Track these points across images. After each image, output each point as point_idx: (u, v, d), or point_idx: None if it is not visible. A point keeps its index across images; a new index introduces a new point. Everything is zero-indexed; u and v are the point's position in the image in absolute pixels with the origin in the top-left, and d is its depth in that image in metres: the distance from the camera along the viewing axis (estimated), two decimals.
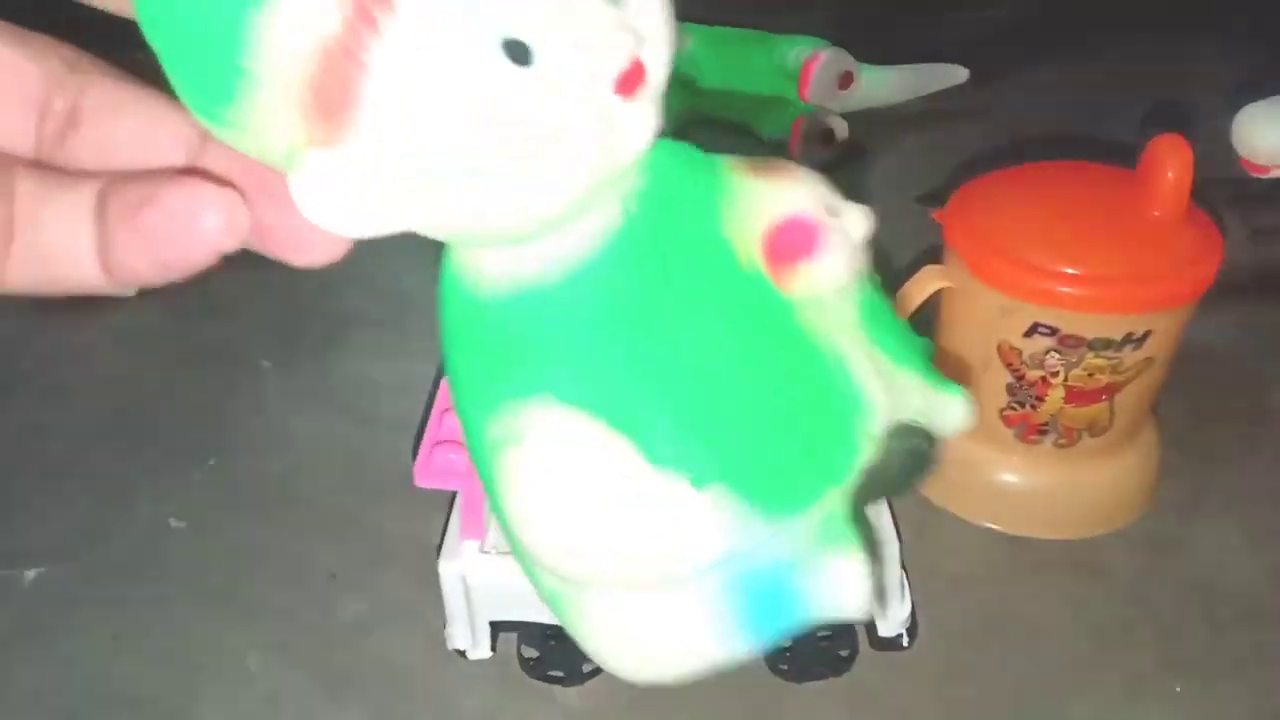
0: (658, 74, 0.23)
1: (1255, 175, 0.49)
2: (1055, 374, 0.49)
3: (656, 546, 0.27)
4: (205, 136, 0.22)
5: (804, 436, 0.29)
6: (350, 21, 0.19)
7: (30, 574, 0.54)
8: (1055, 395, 0.50)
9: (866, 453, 0.30)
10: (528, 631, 0.46)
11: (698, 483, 0.27)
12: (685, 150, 0.29)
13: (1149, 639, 0.50)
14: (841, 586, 0.29)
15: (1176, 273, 0.47)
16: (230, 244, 0.20)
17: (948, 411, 0.32)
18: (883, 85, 0.86)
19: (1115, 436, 0.53)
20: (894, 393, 0.31)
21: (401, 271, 0.73)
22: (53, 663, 0.50)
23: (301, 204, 0.21)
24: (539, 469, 0.26)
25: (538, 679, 0.47)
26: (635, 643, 0.30)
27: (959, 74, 0.87)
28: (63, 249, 0.20)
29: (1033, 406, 0.51)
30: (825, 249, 0.28)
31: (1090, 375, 0.49)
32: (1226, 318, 0.68)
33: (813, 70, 0.81)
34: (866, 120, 0.85)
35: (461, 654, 0.47)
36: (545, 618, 0.45)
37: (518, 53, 0.21)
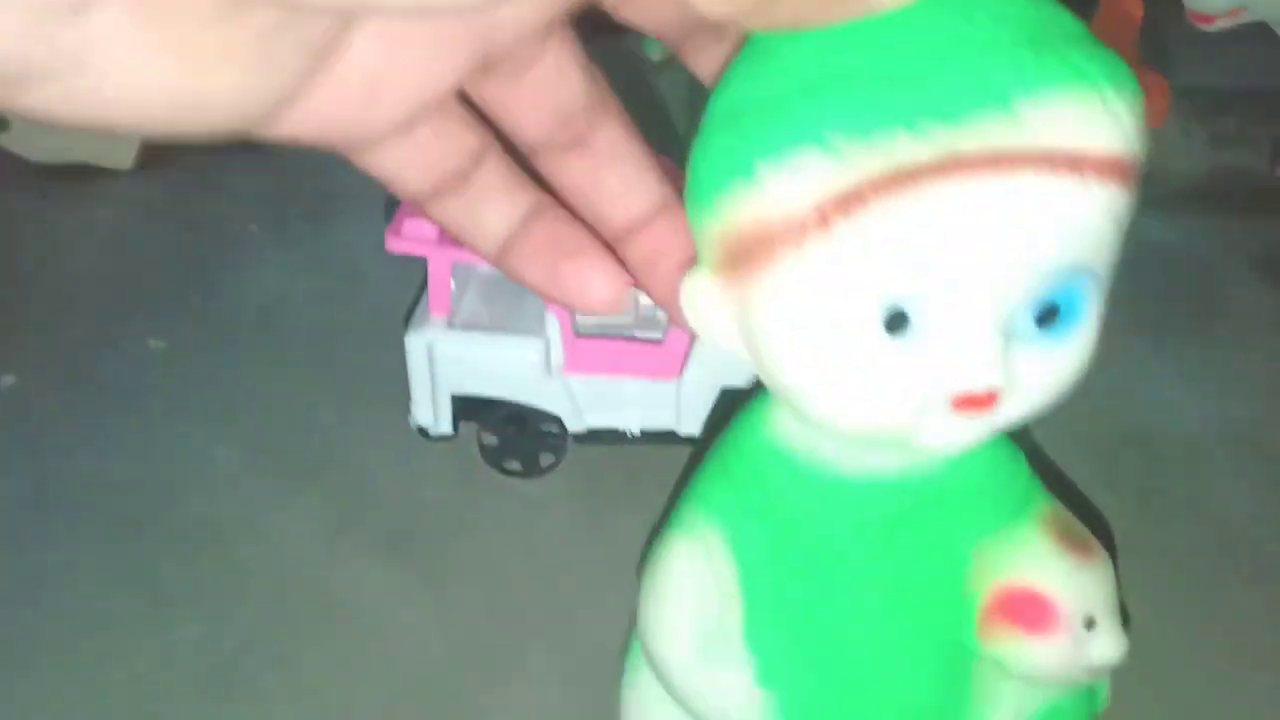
0: (1006, 416, 0.26)
1: (1203, 26, 0.51)
2: None
3: (700, 698, 0.31)
4: (660, 208, 0.25)
5: None
6: (816, 213, 0.23)
7: (6, 379, 0.56)
8: None
9: None
10: (489, 417, 0.48)
11: (762, 683, 0.30)
12: (1019, 469, 0.31)
13: (1089, 468, 0.51)
14: None
15: None
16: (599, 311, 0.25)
17: None
18: None
19: None
20: None
21: None
22: (21, 458, 0.51)
23: (682, 295, 0.26)
24: (673, 568, 0.31)
25: (496, 468, 0.49)
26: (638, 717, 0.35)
27: None
28: (480, 222, 0.23)
29: None
30: (1047, 643, 0.29)
31: None
32: (1184, 220, 0.70)
33: None
34: None
35: (424, 433, 0.49)
36: (504, 394, 0.47)
37: (896, 322, 0.24)
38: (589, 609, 0.43)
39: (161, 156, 0.76)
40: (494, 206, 0.23)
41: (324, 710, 0.39)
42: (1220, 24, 0.51)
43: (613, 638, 0.39)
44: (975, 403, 0.25)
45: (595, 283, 0.24)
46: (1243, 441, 0.53)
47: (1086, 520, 0.31)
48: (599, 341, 0.46)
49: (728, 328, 0.26)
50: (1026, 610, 0.29)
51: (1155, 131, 0.67)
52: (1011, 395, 0.25)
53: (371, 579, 0.44)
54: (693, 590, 0.30)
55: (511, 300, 0.49)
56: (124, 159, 0.76)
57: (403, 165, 0.22)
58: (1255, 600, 0.45)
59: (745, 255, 0.24)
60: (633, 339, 0.46)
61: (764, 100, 0.23)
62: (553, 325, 0.46)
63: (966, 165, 0.22)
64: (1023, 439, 0.50)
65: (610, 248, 0.25)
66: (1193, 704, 0.40)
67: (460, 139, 0.22)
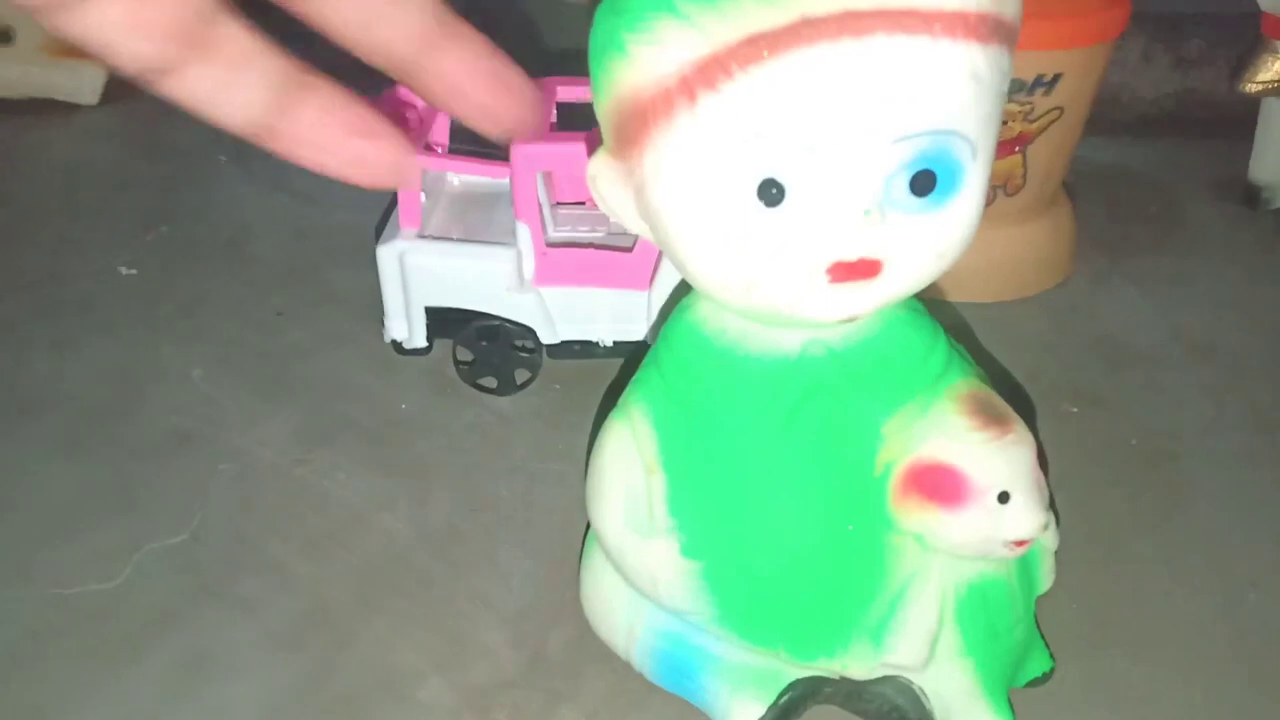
0: (891, 286, 0.27)
1: None
2: None
3: (632, 568, 0.33)
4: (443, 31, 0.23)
5: (801, 605, 0.32)
6: (680, 82, 0.24)
7: None
8: None
9: (849, 666, 0.32)
10: (463, 333, 0.49)
11: (686, 553, 0.31)
12: (935, 345, 0.31)
13: (1052, 377, 0.52)
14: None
15: (1083, 13, 0.50)
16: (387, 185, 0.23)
17: None
18: None
19: (1029, 199, 0.55)
20: (942, 665, 0.32)
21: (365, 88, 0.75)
22: None
23: (588, 179, 0.28)
24: (606, 446, 0.33)
25: (472, 385, 0.50)
26: (590, 591, 0.37)
27: None
28: (231, 98, 0.21)
29: None
30: (961, 516, 0.30)
31: (1004, 123, 0.52)
32: (1149, 142, 0.72)
33: None
34: None
35: (399, 347, 0.49)
36: (477, 306, 0.48)
37: (770, 192, 0.25)
38: (558, 508, 0.44)
39: (127, 90, 0.75)
40: (243, 78, 0.21)
41: (303, 601, 0.40)
42: None
43: (579, 531, 0.40)
44: (852, 271, 0.26)
45: (378, 158, 0.22)
46: (1196, 347, 0.55)
47: (1013, 401, 0.32)
48: (569, 252, 0.47)
49: (630, 208, 0.27)
50: (938, 484, 0.30)
51: (1119, 57, 0.68)
52: (894, 265, 0.26)
53: (347, 485, 0.45)
54: (621, 466, 0.32)
55: (483, 212, 0.49)
56: (91, 94, 0.75)
57: (116, 27, 0.20)
58: (1202, 493, 0.46)
59: (628, 132, 0.25)
60: (603, 248, 0.47)
61: None
62: (524, 236, 0.46)
63: (818, 27, 0.23)
64: (966, 339, 0.50)
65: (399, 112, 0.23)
66: (1141, 592, 0.42)
67: None
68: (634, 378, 0.34)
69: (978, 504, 0.30)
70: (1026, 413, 0.35)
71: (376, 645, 0.39)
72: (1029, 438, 0.31)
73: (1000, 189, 0.55)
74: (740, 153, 0.25)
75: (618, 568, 0.34)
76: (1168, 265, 0.61)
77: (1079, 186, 0.62)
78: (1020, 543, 0.31)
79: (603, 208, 0.29)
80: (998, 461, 0.30)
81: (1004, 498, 0.30)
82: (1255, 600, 0.41)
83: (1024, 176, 0.54)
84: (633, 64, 0.25)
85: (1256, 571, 0.43)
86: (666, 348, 0.32)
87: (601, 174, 0.28)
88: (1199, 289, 0.59)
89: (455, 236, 0.48)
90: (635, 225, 0.28)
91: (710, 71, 0.24)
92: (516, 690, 0.37)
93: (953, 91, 0.25)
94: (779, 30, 0.24)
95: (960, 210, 0.27)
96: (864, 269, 0.26)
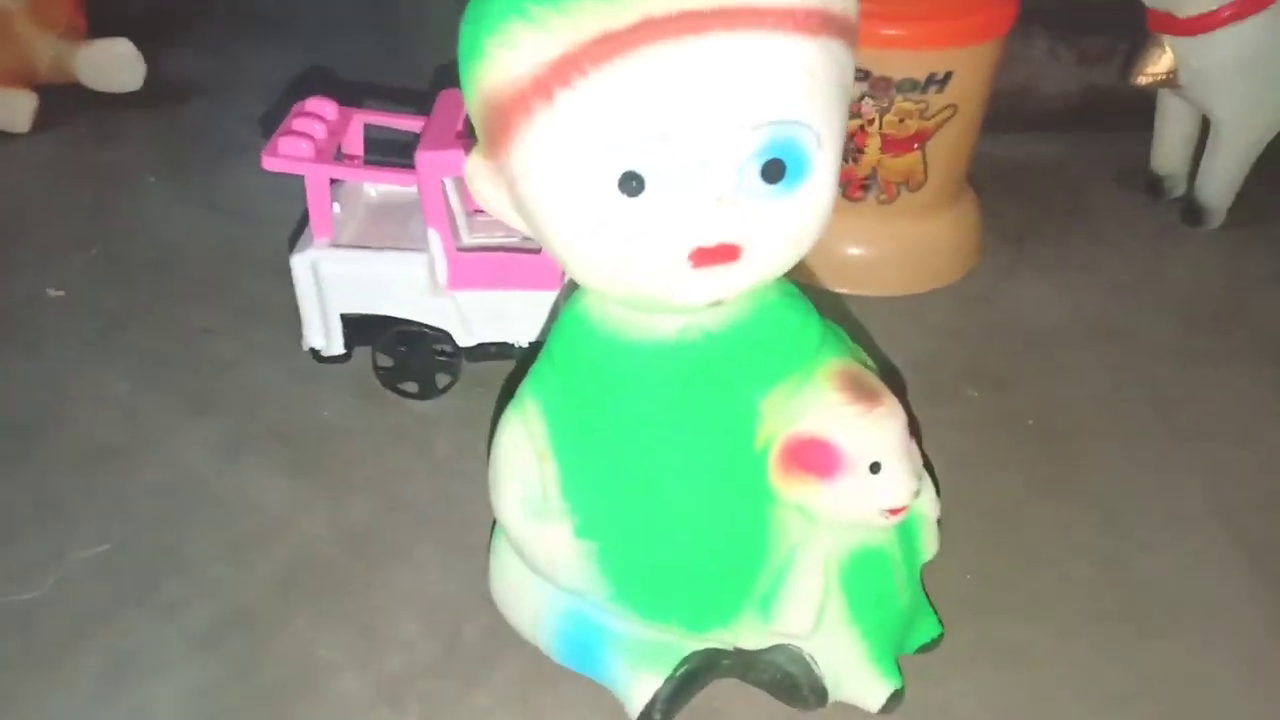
0: (752, 270, 0.29)
1: None
2: (871, 121, 0.54)
3: (531, 552, 0.34)
4: None
5: (691, 579, 0.33)
6: (535, 83, 0.26)
7: None
8: (873, 145, 0.55)
9: (741, 636, 0.34)
10: (382, 339, 0.50)
11: (579, 535, 0.33)
12: (808, 326, 0.33)
13: (956, 363, 0.54)
14: (627, 696, 0.35)
15: (969, 13, 0.52)
16: None
17: (865, 692, 0.35)
18: None
19: (932, 195, 0.58)
20: (830, 633, 0.34)
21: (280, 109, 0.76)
22: None
23: (466, 177, 0.30)
24: (502, 438, 0.35)
25: (392, 390, 0.51)
26: (499, 580, 0.39)
27: None
28: None
29: (854, 160, 0.56)
30: (836, 486, 0.32)
31: (901, 121, 0.54)
32: (1054, 137, 0.74)
33: None
34: None
35: (317, 355, 0.50)
36: (393, 312, 0.49)
37: (630, 183, 0.27)
38: (476, 504, 0.44)
39: (58, 117, 0.76)
40: None
41: (224, 603, 0.41)
42: None
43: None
44: (712, 256, 0.28)
45: None
46: (1096, 330, 0.57)
47: (887, 380, 0.34)
48: (480, 256, 0.48)
49: (505, 204, 0.29)
50: (813, 457, 0.32)
51: (1024, 55, 0.70)
52: (752, 249, 0.28)
53: (269, 490, 0.46)
54: (516, 456, 0.34)
55: (399, 220, 0.51)
56: (22, 122, 0.75)
57: None
58: (1096, 465, 0.48)
59: (495, 132, 0.27)
60: (513, 251, 0.48)
61: None
62: (435, 242, 0.47)
63: (660, 26, 0.25)
64: (856, 330, 0.52)
65: None
66: (1033, 559, 0.44)
67: None
68: (530, 370, 0.35)
69: (851, 474, 0.32)
70: (899, 390, 0.37)
71: (295, 642, 0.40)
72: (899, 410, 0.33)
73: (903, 185, 0.57)
74: (599, 147, 0.26)
75: (520, 554, 0.35)
76: (1072, 253, 0.63)
77: (988, 181, 0.64)
78: (894, 510, 0.33)
79: (481, 204, 0.30)
80: (868, 433, 0.32)
81: (875, 468, 0.32)
82: (1145, 562, 0.43)
83: (925, 172, 0.56)
84: (492, 67, 0.26)
85: (1146, 535, 0.45)
86: (558, 338, 0.34)
87: (476, 173, 0.29)
88: (1101, 275, 0.62)
89: (371, 244, 0.49)
90: (512, 219, 0.30)
91: (564, 71, 0.26)
92: (431, 679, 0.38)
93: (790, 83, 0.27)
94: (624, 30, 0.25)
95: (811, 196, 0.28)
96: (723, 253, 0.28)
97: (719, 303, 0.30)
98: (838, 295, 0.58)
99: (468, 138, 0.46)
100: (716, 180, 0.27)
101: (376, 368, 0.51)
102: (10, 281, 0.61)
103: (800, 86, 0.27)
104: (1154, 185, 0.68)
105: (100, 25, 0.80)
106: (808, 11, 0.26)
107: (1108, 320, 0.58)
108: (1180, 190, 0.67)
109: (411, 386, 0.51)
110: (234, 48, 0.88)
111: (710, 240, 0.28)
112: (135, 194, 0.70)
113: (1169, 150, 0.67)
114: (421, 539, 0.44)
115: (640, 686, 0.35)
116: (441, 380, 0.51)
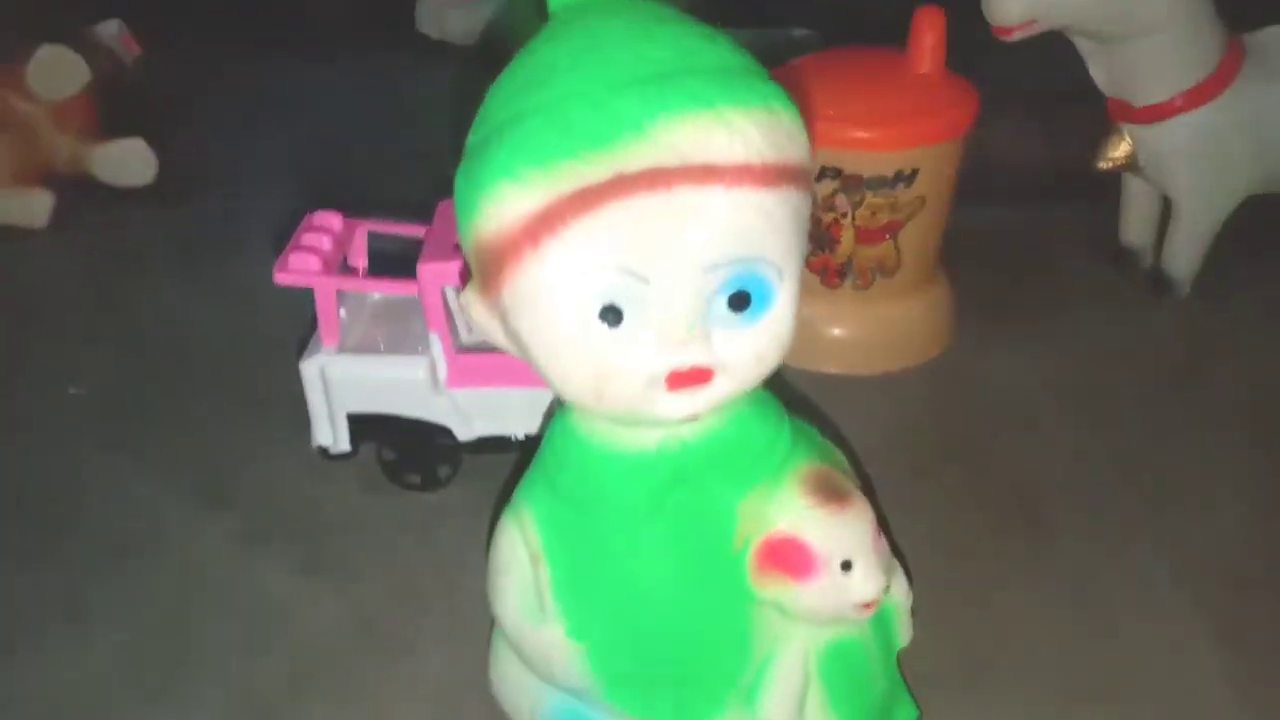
0: (723, 388, 0.32)
1: (1003, 38, 0.57)
2: (844, 214, 0.58)
3: (528, 651, 0.37)
4: None
5: (679, 677, 0.36)
6: (523, 232, 0.29)
7: None
8: (847, 236, 0.58)
9: None
10: (386, 434, 0.53)
11: (571, 636, 0.36)
12: (780, 432, 0.36)
13: (931, 439, 0.57)
14: None
15: (931, 115, 0.55)
16: None
17: None
18: None
19: (906, 279, 0.61)
20: None
21: (291, 209, 0.80)
22: None
23: (464, 308, 0.32)
24: (499, 542, 0.37)
25: (397, 483, 0.54)
26: (498, 674, 0.41)
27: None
28: None
29: (831, 250, 0.59)
30: (810, 585, 0.34)
31: (873, 214, 0.57)
32: (1023, 209, 0.77)
33: None
34: None
35: (325, 452, 0.53)
36: (396, 410, 0.52)
37: (610, 316, 0.30)
38: (479, 594, 0.47)
39: (74, 211, 0.80)
40: None
41: (236, 690, 0.43)
42: (1018, 35, 0.58)
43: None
44: (685, 379, 0.30)
45: None
46: (1066, 399, 0.60)
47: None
48: (479, 356, 0.51)
49: (499, 331, 0.32)
50: (788, 557, 0.34)
51: (994, 135, 0.73)
52: (723, 370, 0.31)
53: (279, 584, 0.49)
54: (513, 561, 0.36)
55: (401, 323, 0.54)
56: (40, 218, 0.79)
57: None
58: (1067, 530, 0.51)
59: (489, 272, 0.30)
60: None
61: (477, 145, 0.30)
62: (435, 345, 0.50)
63: (633, 182, 0.28)
64: (823, 424, 0.54)
65: None
66: (1010, 633, 0.46)
67: None
68: (524, 476, 0.38)
69: (824, 573, 0.34)
70: (867, 485, 0.39)
71: None
72: (867, 510, 0.35)
73: (877, 271, 0.60)
74: (582, 285, 0.29)
75: (517, 652, 0.38)
76: (1044, 324, 0.66)
77: (962, 257, 0.67)
78: (867, 605, 0.35)
79: (476, 331, 0.33)
80: (838, 533, 0.34)
81: (847, 566, 0.34)
82: (1113, 642, 0.46)
83: (898, 259, 0.59)
84: (486, 220, 0.29)
85: (1115, 612, 0.47)
86: (549, 446, 0.36)
87: (472, 304, 0.32)
88: (1072, 344, 0.65)
89: (375, 347, 0.52)
90: (505, 345, 0.33)
91: (549, 221, 0.29)
92: None
93: (750, 227, 0.30)
94: (600, 185, 0.28)
95: (774, 321, 0.31)
96: (696, 376, 0.31)
97: (695, 417, 0.33)
98: (819, 375, 0.61)
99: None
100: (687, 312, 0.30)
101: (382, 462, 0.53)
102: (30, 377, 0.64)
103: (759, 228, 0.30)
104: (1121, 256, 0.71)
105: (109, 116, 0.83)
106: (764, 168, 0.29)
107: (1076, 389, 0.61)
108: (1149, 261, 0.70)
109: (414, 479, 0.53)
110: (242, 134, 0.92)
111: (684, 365, 0.30)
112: (149, 284, 0.73)
113: (1135, 225, 0.70)
114: (425, 630, 0.46)
115: None
116: (443, 472, 0.53)
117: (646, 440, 0.34)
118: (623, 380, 0.31)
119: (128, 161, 0.82)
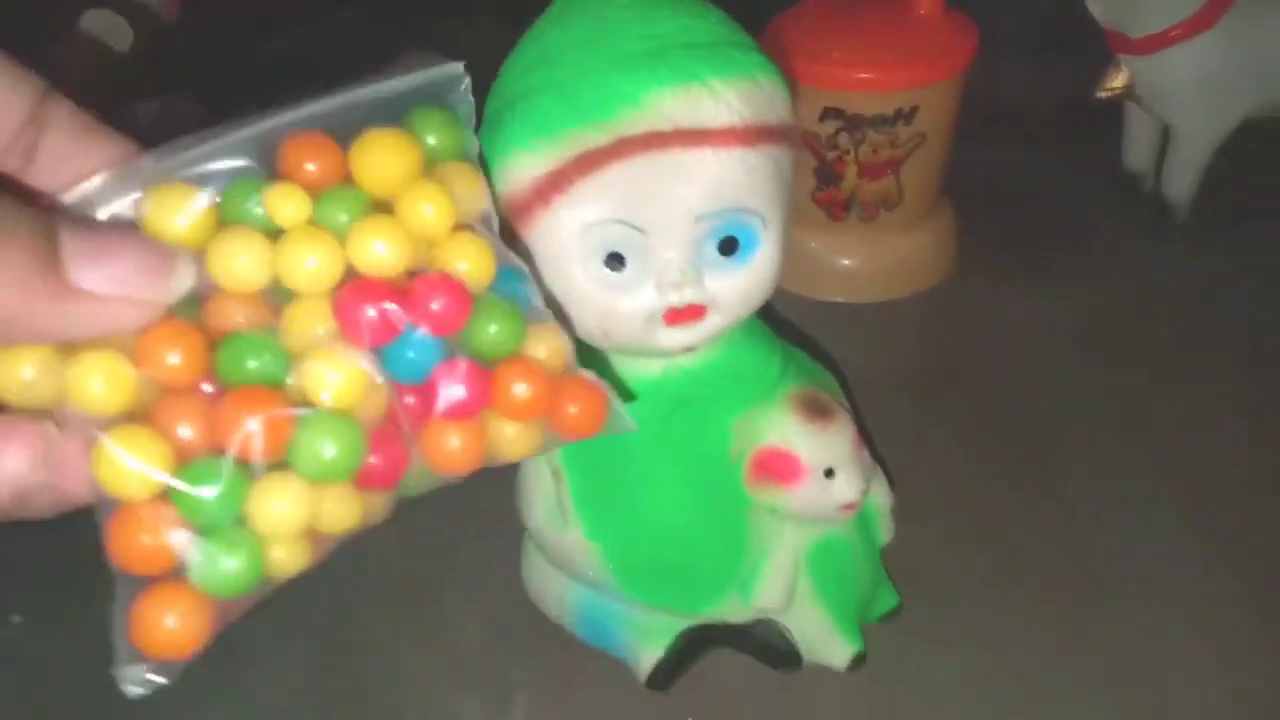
0: (716, 322, 0.36)
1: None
2: (847, 152, 0.61)
3: (552, 551, 0.42)
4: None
5: (684, 570, 0.41)
6: (535, 192, 0.33)
7: None
8: (850, 172, 0.62)
9: (727, 613, 0.42)
10: None
11: (589, 537, 0.41)
12: (771, 359, 0.40)
13: (930, 363, 0.61)
14: (636, 666, 0.43)
15: (930, 55, 0.58)
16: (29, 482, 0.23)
17: (832, 655, 0.43)
18: None
19: (909, 212, 0.64)
20: (800, 607, 0.42)
21: None
22: None
23: None
24: (525, 462, 0.42)
25: None
26: (529, 573, 0.46)
27: None
28: None
29: (836, 185, 0.63)
30: (797, 490, 0.39)
31: (875, 151, 0.61)
32: (1028, 145, 0.79)
33: None
34: None
35: None
36: None
37: (614, 263, 0.34)
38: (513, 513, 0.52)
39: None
40: None
41: (296, 604, 0.49)
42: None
43: None
44: (682, 315, 0.35)
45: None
46: (1070, 328, 0.63)
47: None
48: None
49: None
50: (778, 466, 0.39)
51: (1005, 68, 0.76)
52: (715, 306, 0.35)
53: None
54: (538, 477, 0.42)
55: None
56: None
57: None
58: (1069, 456, 0.54)
59: (512, 225, 0.35)
60: None
61: (493, 116, 0.34)
62: None
63: (632, 144, 0.32)
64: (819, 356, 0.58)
65: None
66: (998, 543, 0.50)
67: None
68: None
69: (810, 480, 0.39)
70: (854, 404, 0.44)
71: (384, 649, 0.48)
72: (849, 425, 0.40)
73: (881, 205, 0.63)
74: (590, 236, 0.34)
75: (544, 553, 0.43)
76: (1047, 258, 0.69)
77: (967, 193, 0.70)
78: (848, 507, 0.40)
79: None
80: (823, 446, 0.39)
81: (830, 473, 0.39)
82: (1115, 537, 0.49)
83: (900, 194, 0.63)
84: (504, 184, 0.34)
85: (1108, 518, 0.50)
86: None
87: None
88: (1078, 278, 0.67)
89: None
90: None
91: (557, 182, 0.33)
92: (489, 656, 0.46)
93: (735, 181, 0.34)
94: (602, 150, 0.33)
95: (759, 264, 0.36)
96: (691, 313, 0.35)
97: (692, 348, 0.37)
98: (829, 304, 0.65)
99: None
100: (681, 257, 0.34)
101: None
102: None
103: (744, 182, 0.34)
104: (1126, 181, 0.74)
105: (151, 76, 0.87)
106: (746, 129, 0.33)
107: (1079, 317, 0.64)
108: (1149, 185, 0.73)
109: None
110: (283, 98, 0.95)
111: (680, 303, 0.35)
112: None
113: (1137, 151, 0.73)
114: (473, 545, 0.51)
115: (646, 658, 0.43)
116: None
117: (652, 369, 0.39)
118: (626, 319, 0.35)
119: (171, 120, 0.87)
